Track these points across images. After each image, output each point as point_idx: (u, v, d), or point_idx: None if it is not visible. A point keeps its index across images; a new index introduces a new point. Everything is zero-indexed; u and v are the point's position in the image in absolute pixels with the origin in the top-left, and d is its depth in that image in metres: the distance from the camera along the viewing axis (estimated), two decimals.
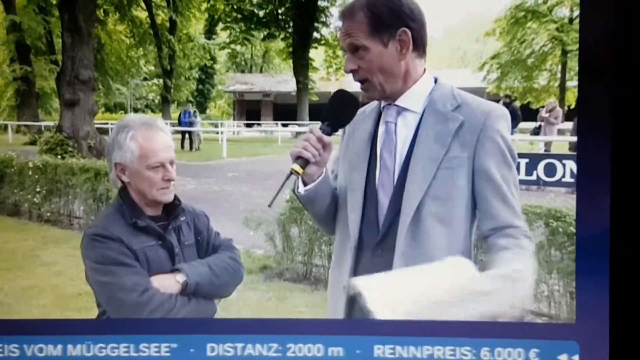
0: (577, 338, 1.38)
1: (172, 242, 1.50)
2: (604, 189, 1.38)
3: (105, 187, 4.99)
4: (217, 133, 11.30)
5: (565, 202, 3.48)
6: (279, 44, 12.43)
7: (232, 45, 12.93)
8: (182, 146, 9.96)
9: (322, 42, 11.77)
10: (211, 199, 6.15)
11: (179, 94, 12.41)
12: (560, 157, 6.34)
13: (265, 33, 11.91)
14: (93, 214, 5.17)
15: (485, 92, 10.20)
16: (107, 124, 8.93)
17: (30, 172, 5.64)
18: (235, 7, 11.77)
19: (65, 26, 7.73)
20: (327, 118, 1.33)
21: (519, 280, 1.21)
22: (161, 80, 11.98)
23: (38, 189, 5.58)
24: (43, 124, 9.83)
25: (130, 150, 1.44)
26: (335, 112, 1.34)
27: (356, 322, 1.38)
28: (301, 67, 11.55)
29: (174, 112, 12.05)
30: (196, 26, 12.45)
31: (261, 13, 11.74)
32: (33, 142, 8.53)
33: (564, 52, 9.92)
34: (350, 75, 1.33)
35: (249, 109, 13.53)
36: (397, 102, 1.33)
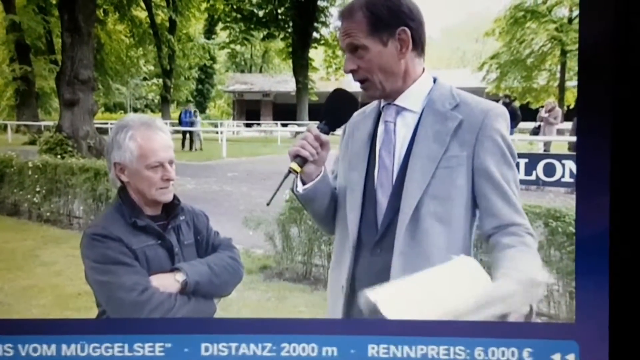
0: (577, 338, 1.38)
1: (172, 241, 1.50)
2: (604, 189, 1.38)
3: (105, 187, 4.98)
4: (217, 133, 11.30)
5: (565, 202, 3.48)
6: (278, 44, 12.44)
7: (232, 45, 12.94)
8: (183, 146, 9.96)
9: (322, 42, 11.77)
10: (211, 199, 6.15)
11: (178, 93, 12.41)
12: (559, 157, 6.34)
13: (265, 33, 11.91)
14: (93, 214, 5.17)
15: (485, 92, 10.21)
16: (106, 123, 8.93)
17: (29, 172, 5.64)
18: (234, 7, 11.77)
19: (65, 26, 7.73)
20: (325, 117, 1.33)
21: (535, 282, 1.21)
22: (161, 80, 11.98)
23: (38, 189, 5.58)
24: (43, 123, 9.84)
25: (129, 150, 1.44)
26: (333, 111, 1.34)
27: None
28: (301, 67, 11.56)
29: (174, 112, 12.05)
30: (196, 26, 12.45)
31: (261, 13, 11.75)
32: (33, 142, 8.53)
33: (564, 52, 9.92)
34: (350, 75, 1.33)
35: (249, 109, 13.53)
36: (396, 102, 1.33)
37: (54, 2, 9.07)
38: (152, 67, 12.22)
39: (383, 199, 1.32)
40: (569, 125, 8.81)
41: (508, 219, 1.26)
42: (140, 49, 11.74)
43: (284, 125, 11.98)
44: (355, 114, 1.42)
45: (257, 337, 1.42)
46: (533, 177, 6.17)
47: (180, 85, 12.39)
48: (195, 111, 10.78)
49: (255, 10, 11.78)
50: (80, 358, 1.42)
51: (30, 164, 5.67)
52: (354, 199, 1.36)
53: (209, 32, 12.86)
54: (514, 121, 7.92)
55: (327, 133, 1.32)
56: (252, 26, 11.89)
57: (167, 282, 1.45)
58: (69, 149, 7.49)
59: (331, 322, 1.42)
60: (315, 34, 11.59)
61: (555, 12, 9.90)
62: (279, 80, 13.35)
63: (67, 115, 7.78)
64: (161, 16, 11.54)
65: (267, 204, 1.39)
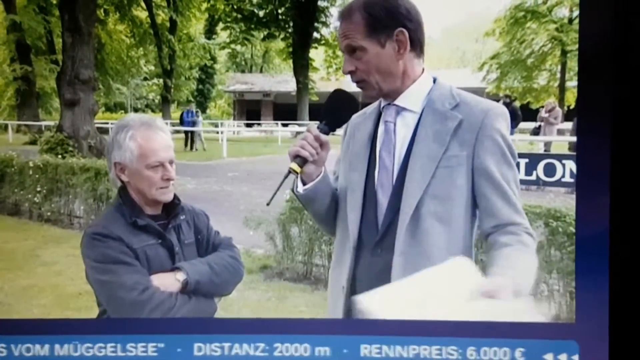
0: (577, 338, 1.38)
1: (172, 240, 1.50)
2: (604, 189, 1.38)
3: (106, 187, 4.99)
4: (217, 133, 11.30)
5: (565, 202, 3.48)
6: (279, 44, 12.45)
7: (232, 45, 12.95)
8: (186, 145, 9.95)
9: (322, 42, 11.78)
10: (211, 199, 6.15)
11: (179, 93, 12.42)
12: (560, 157, 6.35)
13: (265, 33, 11.92)
14: (93, 214, 5.18)
15: (485, 92, 10.21)
16: (107, 123, 8.94)
17: (30, 172, 5.64)
18: (235, 7, 11.78)
19: (66, 26, 7.73)
20: (325, 117, 1.34)
21: (521, 280, 1.21)
22: (161, 80, 11.99)
23: (38, 189, 5.58)
24: (43, 123, 9.84)
25: (129, 150, 1.44)
26: (333, 111, 1.35)
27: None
28: (301, 67, 11.57)
29: (174, 112, 12.06)
30: (196, 26, 12.46)
31: (261, 13, 11.76)
32: (33, 142, 8.54)
33: (564, 52, 9.93)
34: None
35: (249, 109, 13.54)
36: (396, 102, 1.34)
37: (54, 2, 9.08)
38: (152, 67, 12.23)
39: (383, 199, 1.32)
40: (569, 125, 8.81)
41: (507, 219, 1.27)
42: (141, 49, 11.75)
43: (284, 125, 11.99)
44: (356, 115, 1.43)
45: (250, 337, 1.42)
46: (533, 177, 6.18)
47: (181, 85, 12.40)
48: (197, 111, 10.79)
49: (255, 10, 11.78)
50: (73, 358, 1.42)
51: (31, 164, 5.68)
52: (354, 199, 1.36)
53: (210, 32, 12.87)
54: (515, 121, 7.92)
55: (327, 133, 1.32)
56: (253, 26, 11.90)
57: (167, 282, 1.45)
58: (70, 148, 7.50)
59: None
60: (315, 34, 11.59)
61: (555, 12, 9.91)
62: (280, 80, 13.36)
63: (67, 115, 7.79)
64: (162, 16, 11.55)
65: (267, 204, 1.40)
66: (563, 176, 6.20)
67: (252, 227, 4.21)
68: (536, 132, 8.44)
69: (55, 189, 5.51)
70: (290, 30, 11.71)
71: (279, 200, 3.89)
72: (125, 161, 1.45)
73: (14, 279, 3.95)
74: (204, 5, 11.91)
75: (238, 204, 5.73)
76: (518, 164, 1.34)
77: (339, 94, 1.36)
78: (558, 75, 10.44)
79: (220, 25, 12.52)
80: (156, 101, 13.11)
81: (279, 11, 11.68)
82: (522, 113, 8.54)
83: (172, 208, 1.53)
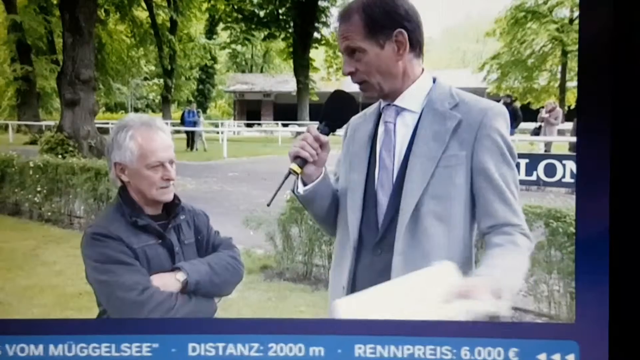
0: (577, 338, 1.38)
1: (172, 241, 1.50)
2: (604, 189, 1.38)
3: (106, 187, 4.99)
4: (218, 133, 11.30)
5: (565, 203, 3.48)
6: (279, 44, 12.45)
7: (233, 45, 12.97)
8: (188, 146, 9.93)
9: (323, 42, 11.79)
10: (211, 199, 6.15)
11: (179, 93, 12.43)
12: (560, 158, 6.35)
13: (266, 33, 11.93)
14: (94, 214, 5.18)
15: (486, 92, 10.21)
16: (107, 123, 8.93)
17: (31, 172, 5.64)
18: (235, 7, 11.78)
19: (66, 26, 7.74)
20: (325, 118, 1.34)
21: (504, 280, 1.20)
22: (162, 80, 11.99)
23: (39, 189, 5.58)
24: (44, 123, 9.85)
25: (129, 150, 1.44)
26: (333, 112, 1.35)
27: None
28: (301, 67, 11.57)
29: (175, 112, 12.07)
30: (197, 26, 12.47)
31: (262, 13, 11.76)
32: (34, 142, 8.54)
33: (564, 53, 9.93)
34: None
35: (250, 109, 13.55)
36: (396, 102, 1.34)
37: (55, 2, 9.08)
38: (153, 67, 12.24)
39: (384, 199, 1.32)
40: (569, 125, 8.82)
41: (503, 219, 1.26)
42: (141, 49, 11.75)
43: (284, 125, 12.00)
44: (356, 116, 1.43)
45: (244, 337, 1.42)
46: (534, 178, 6.18)
47: (181, 85, 12.41)
48: (198, 111, 10.79)
49: (256, 11, 11.79)
50: (67, 358, 1.42)
51: (31, 164, 5.68)
52: (354, 199, 1.36)
53: (210, 32, 12.88)
54: (515, 121, 7.92)
55: (327, 134, 1.32)
56: (253, 26, 11.91)
57: (167, 282, 1.45)
58: (70, 148, 7.50)
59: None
60: (316, 34, 11.60)
61: (556, 12, 9.91)
62: (280, 80, 13.37)
63: (68, 115, 7.79)
64: (162, 16, 11.55)
65: (268, 205, 1.40)
66: (563, 176, 6.21)
67: (253, 227, 4.22)
68: (536, 132, 8.45)
69: (55, 189, 5.52)
70: (290, 30, 11.71)
71: (279, 200, 3.89)
72: (125, 161, 1.45)
73: (14, 279, 3.96)
74: (205, 5, 11.91)
75: (238, 204, 5.74)
76: (518, 165, 1.34)
77: (338, 95, 1.36)
78: (558, 75, 10.44)
79: (221, 25, 12.53)
80: (156, 101, 13.12)
81: (280, 11, 11.68)
82: (522, 113, 8.53)
83: (172, 208, 1.53)
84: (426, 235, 1.27)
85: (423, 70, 1.34)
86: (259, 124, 13.04)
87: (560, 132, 8.50)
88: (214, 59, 13.38)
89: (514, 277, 1.24)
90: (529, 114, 9.21)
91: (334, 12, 11.76)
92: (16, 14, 9.15)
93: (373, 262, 1.33)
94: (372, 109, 1.43)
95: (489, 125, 1.27)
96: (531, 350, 1.37)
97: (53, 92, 10.15)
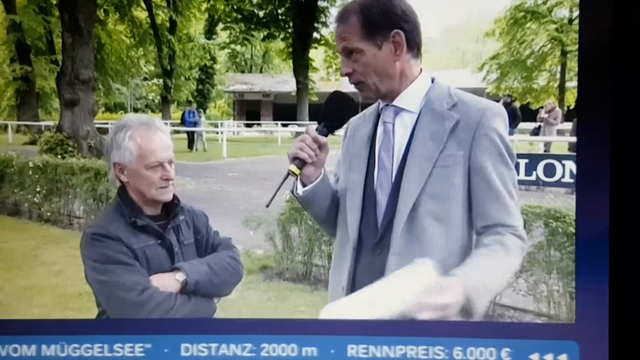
0: (577, 338, 1.38)
1: (172, 241, 1.50)
2: (604, 189, 1.38)
3: (105, 187, 4.99)
4: (217, 133, 11.30)
5: (565, 203, 3.47)
6: (278, 44, 12.44)
7: (232, 46, 12.95)
8: (190, 147, 9.91)
9: (322, 42, 11.77)
10: (211, 199, 6.15)
11: (179, 94, 12.42)
12: (559, 158, 6.35)
13: (265, 33, 11.91)
14: (93, 214, 5.17)
15: (485, 92, 10.21)
16: (107, 123, 8.92)
17: (30, 172, 5.64)
18: (235, 7, 11.78)
19: (66, 26, 7.73)
20: (324, 119, 1.34)
21: (482, 280, 1.20)
22: (161, 80, 11.98)
23: (38, 189, 5.58)
24: (43, 123, 9.84)
25: (128, 150, 1.44)
26: (332, 113, 1.35)
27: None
28: (301, 68, 11.56)
29: (174, 112, 12.06)
30: (196, 26, 12.46)
31: (261, 13, 11.75)
32: (33, 142, 8.53)
33: (564, 53, 9.93)
34: None
35: (249, 109, 13.54)
36: (394, 103, 1.34)
37: (54, 2, 9.08)
38: (152, 67, 12.23)
39: (383, 200, 1.33)
40: (569, 125, 8.82)
41: (496, 220, 1.26)
42: (141, 49, 11.74)
43: (284, 125, 12.00)
44: (356, 116, 1.43)
45: (237, 337, 1.42)
46: (533, 178, 6.18)
47: (181, 86, 12.40)
48: (199, 111, 10.78)
49: (255, 11, 11.78)
50: (61, 358, 1.42)
51: (30, 164, 5.67)
52: (354, 200, 1.36)
53: (210, 33, 12.87)
54: (514, 121, 7.93)
55: (325, 135, 1.32)
56: (253, 26, 11.90)
57: (167, 282, 1.45)
58: (70, 149, 7.49)
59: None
60: (315, 34, 11.59)
61: (555, 12, 9.91)
62: (279, 80, 13.36)
63: (67, 115, 7.78)
64: (161, 16, 11.54)
65: (267, 206, 1.40)
66: (563, 176, 6.20)
67: (252, 227, 4.21)
68: (536, 132, 8.45)
69: (55, 189, 5.51)
70: (290, 30, 11.71)
71: (279, 200, 3.89)
72: (125, 161, 1.45)
73: (14, 279, 3.95)
74: (204, 6, 11.90)
75: (238, 204, 5.73)
76: (518, 165, 1.34)
77: (337, 96, 1.36)
78: (558, 75, 10.44)
79: (220, 25, 12.52)
80: (156, 101, 13.10)
81: (279, 11, 11.67)
82: (522, 113, 8.53)
83: (171, 208, 1.53)
84: (424, 235, 1.27)
85: (421, 70, 1.34)
86: (258, 124, 13.03)
87: (560, 132, 8.50)
88: (213, 59, 13.37)
89: (492, 277, 1.24)
90: (529, 114, 9.21)
91: (334, 12, 11.74)
92: (15, 14, 9.14)
93: (372, 262, 1.33)
94: (371, 109, 1.43)
95: (487, 125, 1.26)
96: (530, 351, 1.37)
97: (52, 92, 10.14)
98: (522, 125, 8.85)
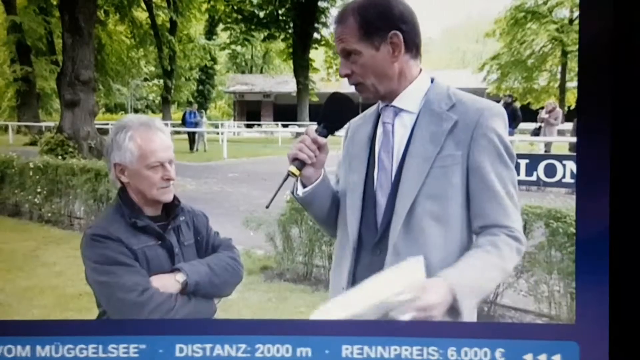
0: (577, 338, 1.38)
1: (172, 241, 1.50)
2: (604, 189, 1.38)
3: (106, 188, 4.99)
4: (218, 134, 11.30)
5: (565, 203, 3.47)
6: (279, 44, 12.45)
7: (233, 46, 12.97)
8: (191, 148, 9.92)
9: (323, 42, 11.78)
10: (211, 200, 6.15)
11: (179, 94, 12.43)
12: (560, 158, 6.35)
13: (266, 34, 11.93)
14: (94, 215, 5.18)
15: (485, 92, 10.21)
16: (107, 124, 8.93)
17: (31, 173, 5.64)
18: (235, 7, 11.79)
19: (66, 27, 7.74)
20: (323, 120, 1.34)
21: (469, 281, 1.21)
22: (161, 81, 11.99)
23: (39, 190, 5.58)
24: (44, 124, 9.85)
25: (129, 151, 1.44)
26: (331, 114, 1.35)
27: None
28: (301, 68, 11.57)
29: (175, 113, 12.07)
30: (196, 27, 12.47)
31: (261, 14, 11.76)
32: (34, 143, 8.54)
33: (564, 53, 9.93)
34: None
35: (249, 110, 13.55)
36: (394, 103, 1.34)
37: (54, 3, 9.09)
38: (152, 68, 12.24)
39: (382, 200, 1.33)
40: (569, 125, 8.82)
41: (493, 220, 1.26)
42: (141, 49, 11.75)
43: (284, 126, 12.00)
44: (356, 118, 1.43)
45: (231, 337, 1.42)
46: (534, 178, 6.18)
47: (181, 86, 12.41)
48: (201, 111, 10.79)
49: (255, 11, 11.80)
50: (54, 359, 1.42)
51: (31, 165, 5.68)
52: (354, 200, 1.36)
53: (210, 33, 12.88)
54: (515, 122, 7.93)
55: (325, 136, 1.32)
56: (253, 27, 11.91)
57: (167, 283, 1.45)
58: (70, 149, 7.50)
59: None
60: (315, 35, 11.60)
61: (556, 13, 9.92)
62: (280, 81, 13.38)
63: (68, 116, 7.79)
64: (162, 17, 11.55)
65: (267, 207, 1.40)
66: (563, 177, 6.20)
67: (253, 227, 4.21)
68: (536, 132, 8.45)
69: (55, 190, 5.51)
70: (290, 31, 11.72)
71: (279, 201, 3.89)
72: (125, 162, 1.45)
73: (14, 280, 3.95)
74: (204, 6, 11.92)
75: (238, 204, 5.73)
76: (518, 165, 1.34)
77: (336, 97, 1.36)
78: (558, 75, 10.45)
79: (221, 26, 12.54)
80: (156, 102, 13.11)
81: (279, 12, 11.69)
82: (522, 114, 8.54)
83: (171, 209, 1.53)
84: (423, 236, 1.27)
85: (421, 70, 1.34)
86: (258, 125, 13.04)
87: (560, 133, 8.50)
88: (213, 59, 13.39)
89: (479, 277, 1.24)
90: (529, 114, 9.21)
91: (334, 12, 11.75)
92: (16, 14, 9.15)
93: (372, 262, 1.33)
94: (371, 110, 1.43)
95: (485, 125, 1.26)
96: (530, 351, 1.37)
97: (53, 93, 10.15)
98: (523, 125, 8.86)
